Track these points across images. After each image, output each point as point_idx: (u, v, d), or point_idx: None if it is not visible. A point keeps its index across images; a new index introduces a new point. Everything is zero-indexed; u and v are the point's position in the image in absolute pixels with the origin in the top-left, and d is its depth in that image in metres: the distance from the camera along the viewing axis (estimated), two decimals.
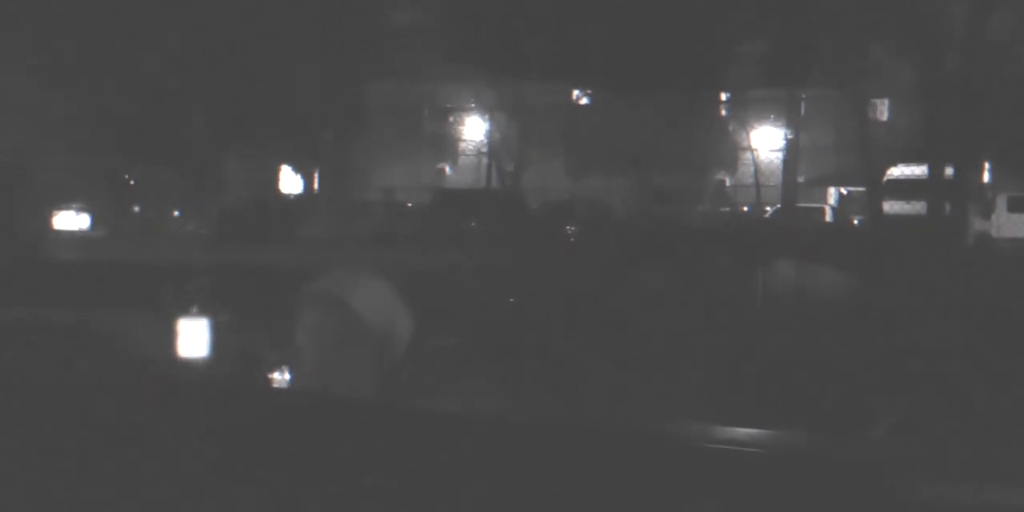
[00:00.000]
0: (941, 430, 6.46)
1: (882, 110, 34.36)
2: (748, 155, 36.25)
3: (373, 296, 4.55)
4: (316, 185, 33.17)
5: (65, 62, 24.58)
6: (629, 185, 34.47)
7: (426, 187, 35.34)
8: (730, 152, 37.62)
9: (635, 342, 7.85)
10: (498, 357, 7.75)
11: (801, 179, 33.67)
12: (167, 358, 6.98)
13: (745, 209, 35.12)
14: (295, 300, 4.59)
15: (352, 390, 4.44)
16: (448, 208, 28.49)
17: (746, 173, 36.71)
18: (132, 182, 31.24)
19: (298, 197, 33.14)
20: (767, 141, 35.61)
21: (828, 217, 33.41)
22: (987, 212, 28.38)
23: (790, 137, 31.75)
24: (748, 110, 35.59)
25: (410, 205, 32.81)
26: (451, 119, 40.28)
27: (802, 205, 32.54)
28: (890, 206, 25.67)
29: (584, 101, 36.77)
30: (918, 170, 25.02)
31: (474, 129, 39.49)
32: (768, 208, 33.27)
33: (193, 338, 7.13)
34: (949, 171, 22.70)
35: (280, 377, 4.96)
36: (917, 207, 23.44)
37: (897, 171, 27.71)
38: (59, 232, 25.19)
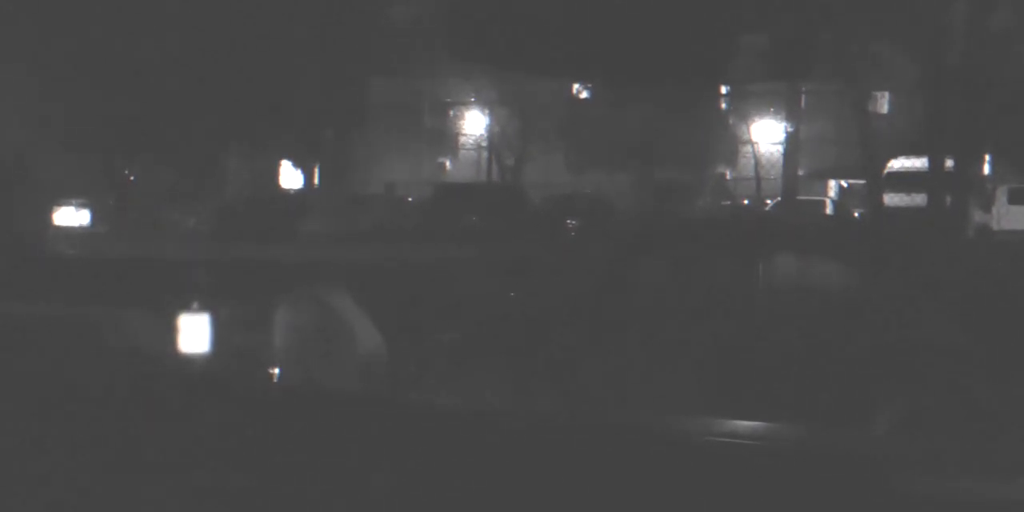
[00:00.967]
0: (940, 423, 6.46)
1: (882, 103, 34.35)
2: (749, 148, 36.26)
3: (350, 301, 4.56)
4: (317, 181, 33.14)
5: (65, 61, 24.59)
6: (629, 179, 34.46)
7: (426, 182, 35.32)
8: (731, 145, 37.60)
9: (636, 336, 7.85)
10: (498, 351, 7.76)
11: (801, 172, 33.63)
12: (168, 354, 6.98)
13: (746, 202, 35.11)
14: (278, 300, 4.59)
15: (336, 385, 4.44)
16: (449, 203, 28.45)
17: (747, 166, 36.71)
18: (132, 178, 31.25)
19: (299, 193, 33.11)
20: (768, 134, 35.60)
21: (829, 210, 33.38)
22: (987, 204, 28.38)
23: (790, 130, 31.71)
24: (749, 103, 35.57)
25: (411, 200, 32.80)
26: (451, 114, 40.26)
27: (803, 198, 32.51)
28: (891, 199, 25.67)
29: (584, 95, 36.73)
30: (918, 162, 25.02)
31: (474, 124, 39.47)
32: (769, 201, 33.27)
33: (194, 334, 7.13)
34: (949, 163, 22.68)
35: (278, 372, 4.96)
36: (918, 199, 23.42)
37: (897, 164, 27.71)
38: (60, 228, 25.17)
